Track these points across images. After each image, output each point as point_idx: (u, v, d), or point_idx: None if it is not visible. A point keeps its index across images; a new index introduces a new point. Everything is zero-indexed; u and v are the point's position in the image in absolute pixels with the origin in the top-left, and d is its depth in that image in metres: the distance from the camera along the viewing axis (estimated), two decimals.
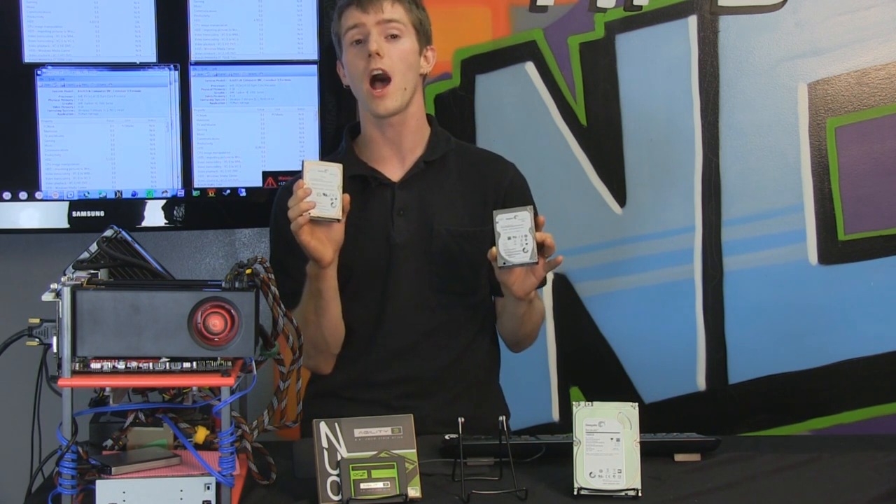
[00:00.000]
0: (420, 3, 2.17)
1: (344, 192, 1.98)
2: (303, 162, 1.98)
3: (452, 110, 2.86)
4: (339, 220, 1.98)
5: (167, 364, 1.60)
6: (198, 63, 2.64)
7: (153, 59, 2.63)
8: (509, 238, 1.97)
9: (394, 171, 2.18)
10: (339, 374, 2.19)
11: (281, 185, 2.38)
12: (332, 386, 2.19)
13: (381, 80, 2.09)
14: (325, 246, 1.99)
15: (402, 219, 2.16)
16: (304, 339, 2.04)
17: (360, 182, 2.14)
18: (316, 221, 1.96)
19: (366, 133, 2.20)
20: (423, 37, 2.16)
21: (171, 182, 2.66)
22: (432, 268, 2.17)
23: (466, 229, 2.18)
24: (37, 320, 1.66)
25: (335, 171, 1.98)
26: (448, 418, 2.01)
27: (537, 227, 1.97)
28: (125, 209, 2.65)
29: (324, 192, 1.96)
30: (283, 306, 1.77)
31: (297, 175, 2.27)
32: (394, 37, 2.10)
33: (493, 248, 1.98)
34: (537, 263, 1.98)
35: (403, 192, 2.17)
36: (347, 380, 2.18)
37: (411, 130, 2.18)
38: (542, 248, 1.98)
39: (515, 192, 2.22)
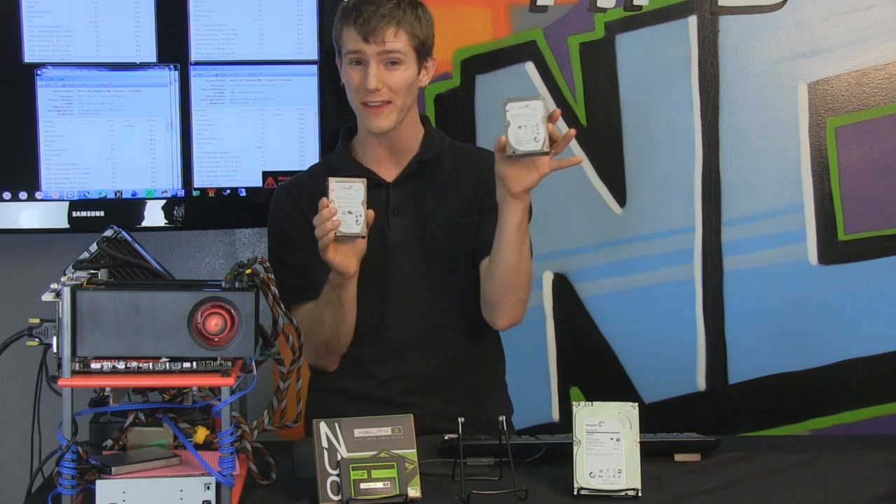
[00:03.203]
0: (423, 18, 2.11)
1: (368, 207, 1.97)
2: (328, 179, 1.97)
3: (452, 110, 2.86)
4: (363, 237, 1.98)
5: (167, 364, 1.60)
6: (198, 63, 2.64)
7: (153, 59, 2.63)
8: (520, 127, 1.89)
9: (388, 172, 2.19)
10: (343, 372, 2.19)
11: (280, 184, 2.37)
12: (335, 384, 2.20)
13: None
14: (349, 259, 1.99)
15: (396, 218, 2.17)
16: (316, 341, 2.06)
17: None
18: (340, 239, 1.96)
19: (362, 137, 2.20)
20: (424, 55, 2.13)
21: (171, 182, 2.66)
22: (429, 265, 2.17)
23: (457, 220, 2.18)
24: (37, 320, 1.66)
25: (359, 187, 1.97)
26: (452, 414, 2.00)
27: (552, 119, 1.90)
28: (125, 209, 2.65)
29: (348, 210, 1.96)
30: (282, 306, 1.77)
31: (295, 175, 2.29)
32: (393, 63, 2.07)
33: (501, 137, 1.91)
34: (548, 154, 1.90)
35: (397, 191, 2.18)
36: (351, 378, 2.18)
37: (405, 135, 2.18)
38: (553, 143, 1.90)
39: None
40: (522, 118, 1.88)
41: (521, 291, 2.11)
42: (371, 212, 1.98)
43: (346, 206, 1.96)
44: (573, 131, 1.92)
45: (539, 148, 1.88)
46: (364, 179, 1.99)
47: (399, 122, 2.12)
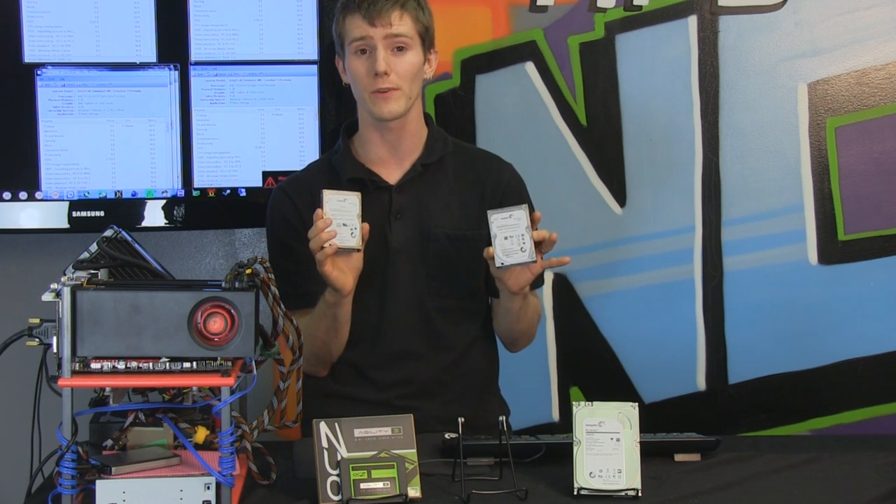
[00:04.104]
0: (426, 7, 2.14)
1: (363, 220, 1.97)
2: (322, 191, 1.97)
3: (452, 110, 2.86)
4: (359, 250, 1.98)
5: (167, 364, 1.60)
6: (198, 63, 2.64)
7: (153, 59, 2.63)
8: (506, 238, 1.96)
9: (391, 174, 2.18)
10: (340, 376, 2.18)
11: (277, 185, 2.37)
12: (332, 388, 2.19)
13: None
14: (346, 276, 1.99)
15: (398, 222, 2.16)
16: (308, 351, 2.02)
17: (358, 185, 2.13)
18: (337, 252, 1.95)
19: (364, 134, 2.19)
20: (428, 43, 2.15)
21: (171, 182, 2.66)
22: (429, 271, 2.17)
23: (463, 233, 2.17)
24: (37, 320, 1.66)
25: (354, 200, 1.97)
26: (449, 417, 2.01)
27: (533, 223, 1.97)
28: (125, 209, 2.65)
29: (343, 223, 1.95)
30: (282, 306, 1.77)
31: (293, 175, 2.28)
32: (400, 49, 2.08)
33: (490, 248, 1.97)
34: (536, 262, 1.97)
35: (400, 195, 2.17)
36: (348, 382, 2.18)
37: (410, 133, 2.17)
38: (539, 244, 1.97)
39: (513, 193, 2.21)
40: (507, 228, 1.95)
41: (530, 333, 2.27)
42: (366, 225, 1.98)
43: (342, 218, 1.95)
44: (556, 236, 1.98)
45: (526, 259, 1.95)
46: (359, 193, 1.99)
47: (407, 111, 2.11)
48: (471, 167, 2.23)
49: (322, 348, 2.12)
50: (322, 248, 1.94)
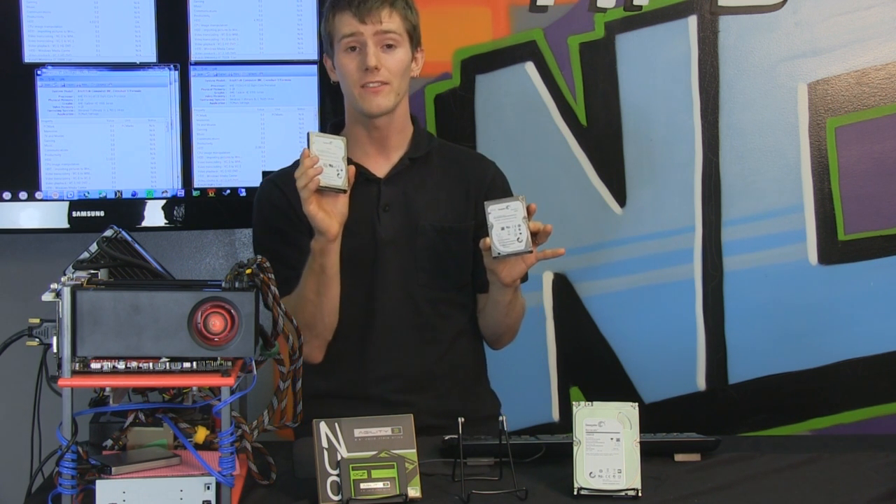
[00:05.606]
0: (413, 7, 2.18)
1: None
2: (308, 133, 2.00)
3: (452, 110, 2.86)
4: (345, 191, 2.00)
5: (167, 364, 1.60)
6: (198, 63, 2.64)
7: (153, 59, 2.63)
8: (503, 228, 1.97)
9: (379, 168, 2.20)
10: (332, 371, 2.19)
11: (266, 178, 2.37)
12: (326, 387, 2.18)
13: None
14: (331, 218, 2.01)
15: (387, 214, 2.18)
16: (299, 322, 2.03)
17: None
18: (322, 191, 1.98)
19: (351, 131, 2.21)
20: (416, 42, 2.18)
21: (171, 182, 2.66)
22: (418, 263, 2.18)
23: (451, 225, 2.20)
24: (37, 320, 1.66)
25: (340, 143, 2.01)
26: (444, 411, 2.03)
27: (529, 215, 1.98)
28: (125, 209, 2.65)
29: (330, 164, 1.99)
30: (282, 306, 1.77)
31: (281, 169, 2.28)
32: (389, 46, 2.12)
33: (486, 239, 1.99)
34: (532, 252, 1.99)
35: (389, 187, 2.19)
36: (341, 378, 2.18)
37: (396, 130, 2.20)
38: (535, 235, 1.99)
39: (497, 189, 2.24)
40: (504, 219, 1.98)
41: (515, 328, 2.28)
42: (352, 168, 2.01)
43: (328, 159, 1.99)
44: (550, 227, 2.00)
45: (523, 248, 1.97)
46: (344, 137, 2.03)
47: (395, 106, 2.14)
48: (455, 163, 2.27)
49: (314, 313, 2.10)
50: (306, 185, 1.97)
